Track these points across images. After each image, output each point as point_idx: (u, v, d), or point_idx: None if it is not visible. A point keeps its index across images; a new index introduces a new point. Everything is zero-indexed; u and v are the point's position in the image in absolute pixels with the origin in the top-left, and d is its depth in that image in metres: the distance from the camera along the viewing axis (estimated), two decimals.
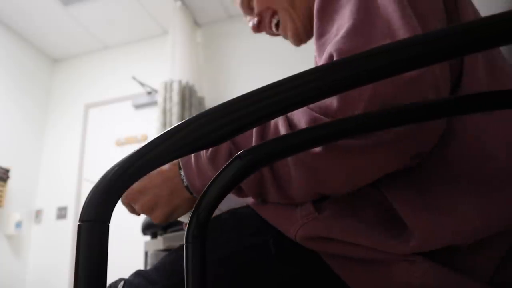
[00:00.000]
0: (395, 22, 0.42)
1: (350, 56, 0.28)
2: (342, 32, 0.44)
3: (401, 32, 0.42)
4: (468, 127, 0.47)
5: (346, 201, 0.52)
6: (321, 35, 0.49)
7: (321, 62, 0.47)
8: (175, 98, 2.79)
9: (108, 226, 0.28)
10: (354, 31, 0.44)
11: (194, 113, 2.82)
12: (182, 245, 0.40)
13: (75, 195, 3.21)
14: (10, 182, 3.06)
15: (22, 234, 3.14)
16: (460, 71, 0.49)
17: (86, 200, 0.28)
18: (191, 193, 0.57)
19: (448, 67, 0.46)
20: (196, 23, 3.38)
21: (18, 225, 3.07)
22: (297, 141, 0.38)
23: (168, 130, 0.29)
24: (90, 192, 0.28)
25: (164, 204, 0.58)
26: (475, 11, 0.58)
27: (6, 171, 3.04)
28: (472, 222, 0.44)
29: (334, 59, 0.43)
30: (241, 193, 0.54)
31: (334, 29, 0.47)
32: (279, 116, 0.30)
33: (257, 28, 0.79)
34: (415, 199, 0.46)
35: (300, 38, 0.77)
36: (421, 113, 0.38)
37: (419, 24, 0.43)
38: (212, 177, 0.52)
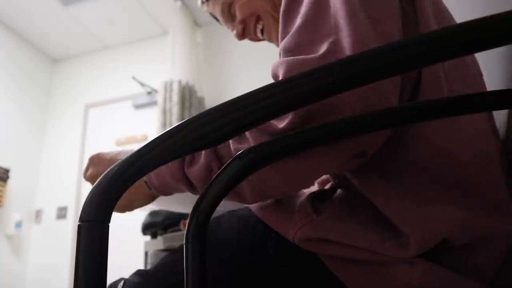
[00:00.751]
0: (340, 22, 0.42)
1: (351, 56, 0.28)
2: (292, 30, 0.45)
3: (344, 33, 0.41)
4: (424, 129, 0.46)
5: (344, 203, 0.52)
6: (283, 38, 0.49)
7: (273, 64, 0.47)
8: (175, 98, 2.79)
9: (108, 226, 0.28)
10: (301, 29, 0.44)
11: (194, 113, 2.82)
12: (182, 245, 0.40)
13: (75, 195, 3.21)
14: (10, 182, 3.06)
15: (22, 234, 3.14)
16: (418, 78, 0.48)
17: (86, 200, 0.28)
18: (150, 189, 0.57)
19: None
20: (196, 23, 3.38)
21: (18, 225, 3.07)
22: (297, 141, 0.38)
23: (168, 130, 0.29)
24: (90, 192, 0.29)
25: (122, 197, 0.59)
26: (437, 12, 0.54)
27: (6, 171, 3.04)
28: (454, 223, 0.44)
29: (281, 56, 0.44)
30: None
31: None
32: (279, 116, 0.30)
33: (242, 35, 0.79)
34: (394, 202, 0.46)
35: None
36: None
37: (371, 24, 0.42)
38: (166, 176, 0.52)
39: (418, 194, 0.46)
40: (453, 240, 0.45)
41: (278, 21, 0.73)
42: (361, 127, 0.38)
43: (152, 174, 0.55)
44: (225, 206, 0.63)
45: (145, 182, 0.57)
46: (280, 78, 0.42)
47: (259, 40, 0.80)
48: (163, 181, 0.54)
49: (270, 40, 0.79)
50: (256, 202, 0.52)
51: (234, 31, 0.79)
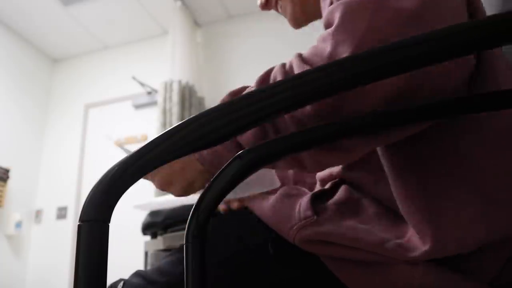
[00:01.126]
0: None
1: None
2: None
3: None
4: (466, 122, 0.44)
5: (345, 203, 0.52)
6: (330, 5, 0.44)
7: (325, 12, 0.43)
8: (175, 98, 2.79)
9: (108, 226, 0.28)
10: None
11: (194, 113, 2.82)
12: (182, 246, 0.40)
13: (75, 195, 3.21)
14: (10, 182, 3.05)
15: (22, 234, 3.13)
16: (477, 69, 0.45)
17: (86, 200, 0.28)
18: (203, 165, 0.55)
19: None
20: (196, 23, 3.38)
21: (18, 225, 3.07)
22: (298, 140, 0.38)
23: (168, 130, 0.30)
24: (90, 192, 0.29)
25: (179, 179, 0.57)
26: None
27: (6, 171, 3.04)
28: (477, 231, 0.43)
29: (339, 8, 0.39)
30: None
31: None
32: (278, 116, 0.30)
33: (265, 6, 0.80)
34: (419, 207, 0.45)
35: (298, 22, 0.77)
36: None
37: None
38: (218, 149, 0.51)
39: (452, 195, 0.44)
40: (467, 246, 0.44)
41: (294, 2, 0.74)
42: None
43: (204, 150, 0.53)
44: (240, 190, 0.61)
45: (197, 159, 0.55)
46: (336, 23, 0.38)
47: (279, 12, 0.82)
48: (215, 153, 0.51)
49: (285, 16, 0.79)
50: (314, 171, 0.50)
51: (258, 1, 0.80)
